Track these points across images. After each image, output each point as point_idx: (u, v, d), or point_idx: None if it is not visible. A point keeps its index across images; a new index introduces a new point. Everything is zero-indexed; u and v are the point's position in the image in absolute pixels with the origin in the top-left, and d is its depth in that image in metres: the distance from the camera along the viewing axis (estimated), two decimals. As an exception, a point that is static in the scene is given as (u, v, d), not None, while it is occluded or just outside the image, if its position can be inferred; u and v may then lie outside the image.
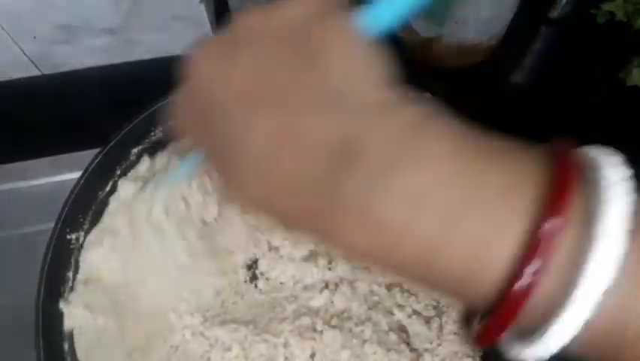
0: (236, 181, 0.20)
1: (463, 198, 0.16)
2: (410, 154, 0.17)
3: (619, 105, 0.50)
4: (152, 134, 0.41)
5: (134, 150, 0.40)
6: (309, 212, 0.18)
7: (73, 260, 0.38)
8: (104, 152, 0.38)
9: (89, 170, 0.38)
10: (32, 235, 0.46)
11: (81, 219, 0.38)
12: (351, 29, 0.19)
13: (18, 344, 0.34)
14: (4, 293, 0.44)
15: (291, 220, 0.19)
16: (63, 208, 0.37)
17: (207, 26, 0.49)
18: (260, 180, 0.19)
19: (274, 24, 0.19)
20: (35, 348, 0.33)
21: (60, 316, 0.36)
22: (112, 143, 0.38)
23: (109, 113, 0.39)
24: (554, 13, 0.54)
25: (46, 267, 0.35)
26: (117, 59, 0.52)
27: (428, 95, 0.38)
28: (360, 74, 0.18)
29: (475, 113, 0.39)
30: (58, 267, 0.36)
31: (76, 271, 0.38)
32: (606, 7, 0.48)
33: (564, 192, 0.15)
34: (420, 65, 0.51)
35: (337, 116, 0.17)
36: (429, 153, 0.17)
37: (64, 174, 0.46)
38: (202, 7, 0.47)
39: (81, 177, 0.37)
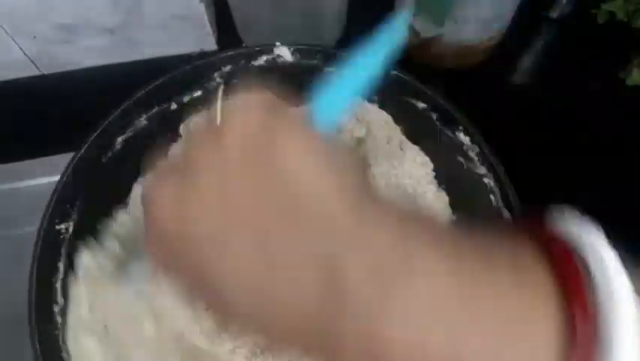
0: (224, 314, 0.20)
1: (465, 318, 0.16)
2: (397, 282, 0.16)
3: (619, 105, 0.50)
4: (137, 122, 0.41)
5: (119, 139, 0.40)
6: (307, 345, 0.18)
7: (63, 251, 0.38)
8: (88, 142, 0.38)
9: (76, 159, 0.37)
10: (32, 235, 0.46)
11: (70, 210, 0.38)
12: (305, 131, 0.18)
13: (18, 343, 0.34)
14: (4, 293, 0.44)
15: (289, 346, 0.19)
16: (51, 199, 0.36)
17: (207, 26, 0.49)
18: (249, 313, 0.18)
19: (228, 143, 0.18)
20: (30, 337, 0.33)
21: (52, 304, 0.36)
22: (97, 132, 0.38)
23: (108, 113, 0.39)
24: (555, 13, 0.54)
25: (36, 257, 0.35)
26: (117, 58, 0.52)
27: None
28: (328, 187, 0.17)
29: (475, 113, 0.39)
30: (48, 258, 0.36)
31: (66, 263, 0.38)
32: (607, 6, 0.48)
33: (581, 309, 0.15)
34: (420, 65, 0.51)
35: (314, 243, 0.17)
36: (415, 280, 0.16)
37: (63, 173, 0.46)
38: (202, 7, 0.47)
39: (68, 166, 0.37)
